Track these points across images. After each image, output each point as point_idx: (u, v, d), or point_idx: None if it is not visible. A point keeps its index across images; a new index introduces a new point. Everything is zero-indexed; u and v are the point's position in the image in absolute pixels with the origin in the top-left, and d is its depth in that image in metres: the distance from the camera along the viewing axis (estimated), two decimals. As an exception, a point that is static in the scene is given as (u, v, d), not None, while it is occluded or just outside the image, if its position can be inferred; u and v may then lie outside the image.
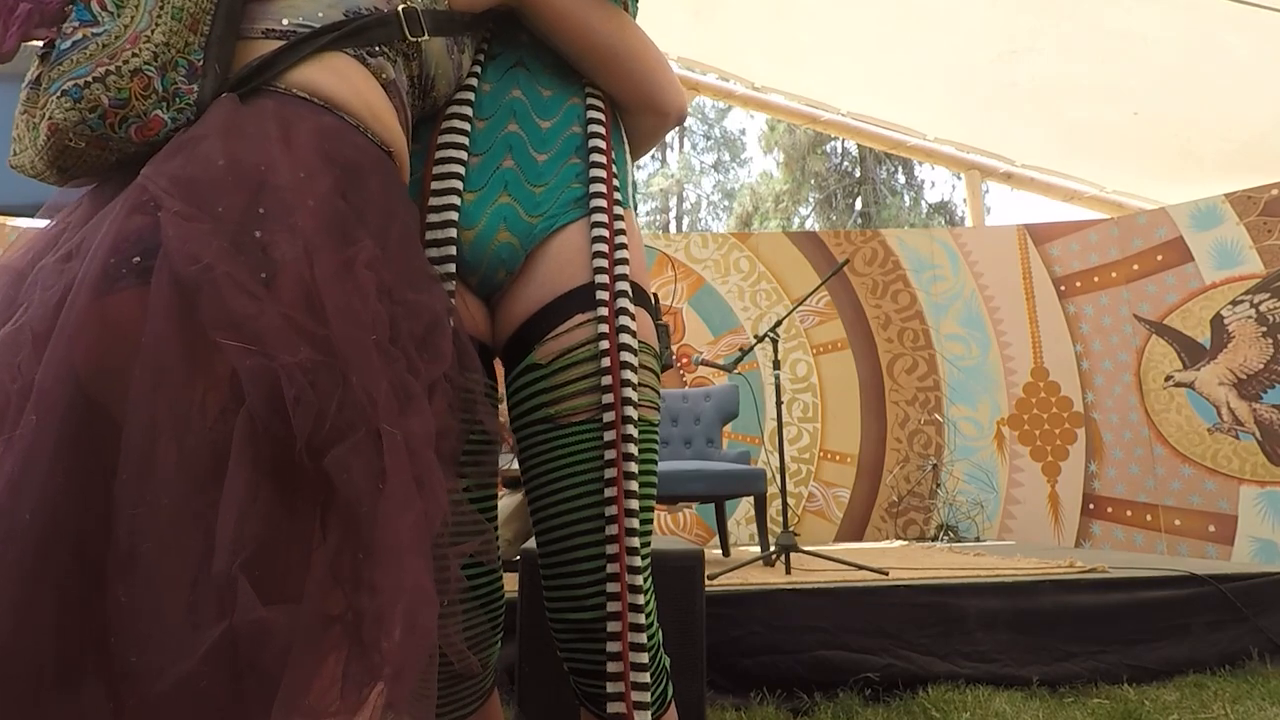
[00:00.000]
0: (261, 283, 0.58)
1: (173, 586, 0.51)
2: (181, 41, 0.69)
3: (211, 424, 0.55)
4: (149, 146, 0.66)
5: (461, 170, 0.90)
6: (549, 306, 0.90)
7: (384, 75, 0.79)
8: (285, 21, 0.75)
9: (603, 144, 0.94)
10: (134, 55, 0.66)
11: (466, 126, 0.92)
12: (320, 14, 0.76)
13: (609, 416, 0.86)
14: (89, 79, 0.64)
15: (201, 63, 0.70)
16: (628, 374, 0.87)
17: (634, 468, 0.85)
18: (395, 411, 0.61)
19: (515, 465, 0.99)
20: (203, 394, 0.56)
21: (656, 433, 0.93)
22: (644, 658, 0.83)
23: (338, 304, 0.61)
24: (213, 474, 0.53)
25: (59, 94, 0.64)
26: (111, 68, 0.65)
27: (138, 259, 0.58)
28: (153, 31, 0.67)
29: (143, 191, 0.61)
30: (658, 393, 0.94)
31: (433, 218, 0.89)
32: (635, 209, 1.00)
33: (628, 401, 0.86)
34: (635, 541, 0.85)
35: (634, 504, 0.85)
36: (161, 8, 0.68)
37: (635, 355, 0.88)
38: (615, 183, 0.93)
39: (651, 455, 0.92)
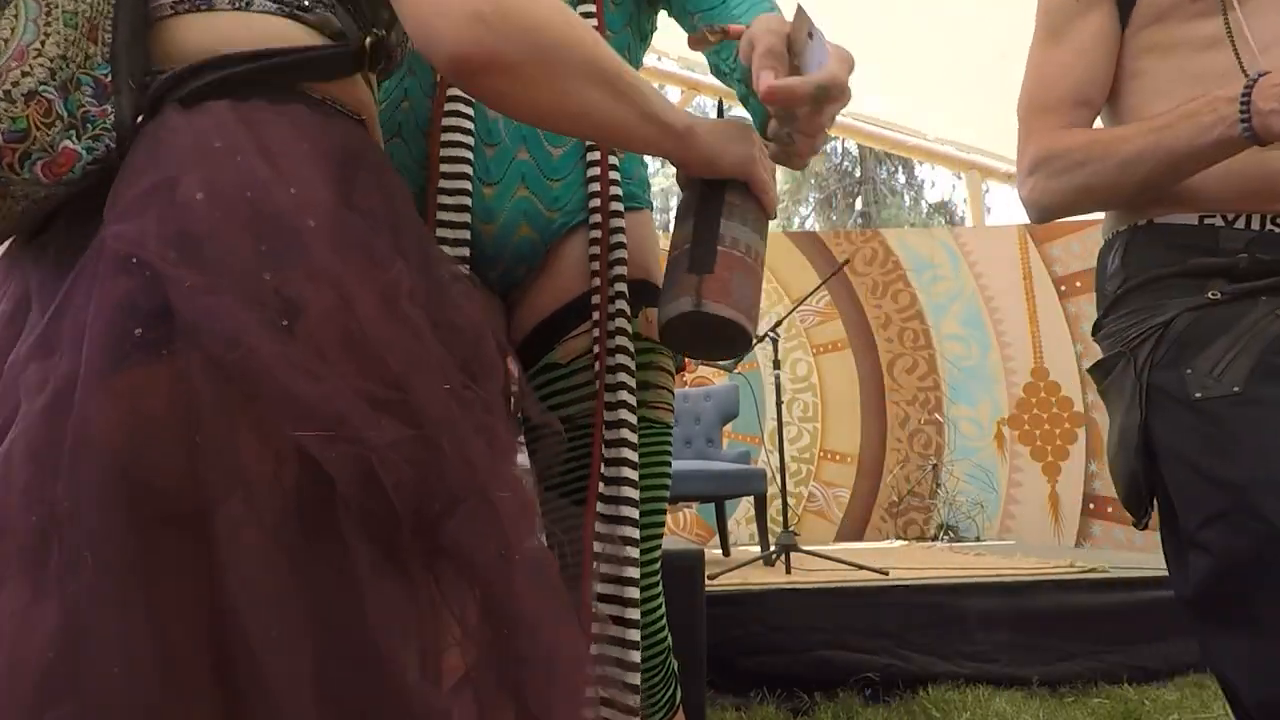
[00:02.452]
0: (285, 332, 0.52)
1: (301, 687, 0.48)
2: (80, 54, 0.57)
3: (295, 505, 0.50)
4: (64, 187, 0.55)
5: (469, 153, 0.87)
6: (570, 305, 0.89)
7: (330, 29, 0.65)
8: None
9: (595, 154, 0.92)
10: (24, 74, 0.53)
11: (470, 110, 0.89)
12: None
13: (612, 431, 0.86)
14: None
15: (110, 78, 0.58)
16: (623, 375, 0.86)
17: (630, 472, 0.85)
18: (495, 465, 0.57)
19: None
20: (274, 478, 0.50)
21: (669, 433, 0.93)
22: (634, 655, 0.82)
23: (398, 355, 0.54)
24: (311, 558, 0.50)
25: None
26: None
27: (139, 330, 0.50)
28: (43, 43, 0.55)
29: (118, 253, 0.52)
30: (671, 393, 0.93)
31: (445, 215, 0.86)
32: (651, 207, 1.00)
33: (623, 403, 0.86)
34: (634, 552, 0.84)
35: (625, 510, 0.84)
36: (49, 14, 0.56)
37: (632, 359, 0.87)
38: (615, 188, 0.91)
39: (664, 456, 0.91)
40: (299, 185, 0.56)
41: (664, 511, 0.92)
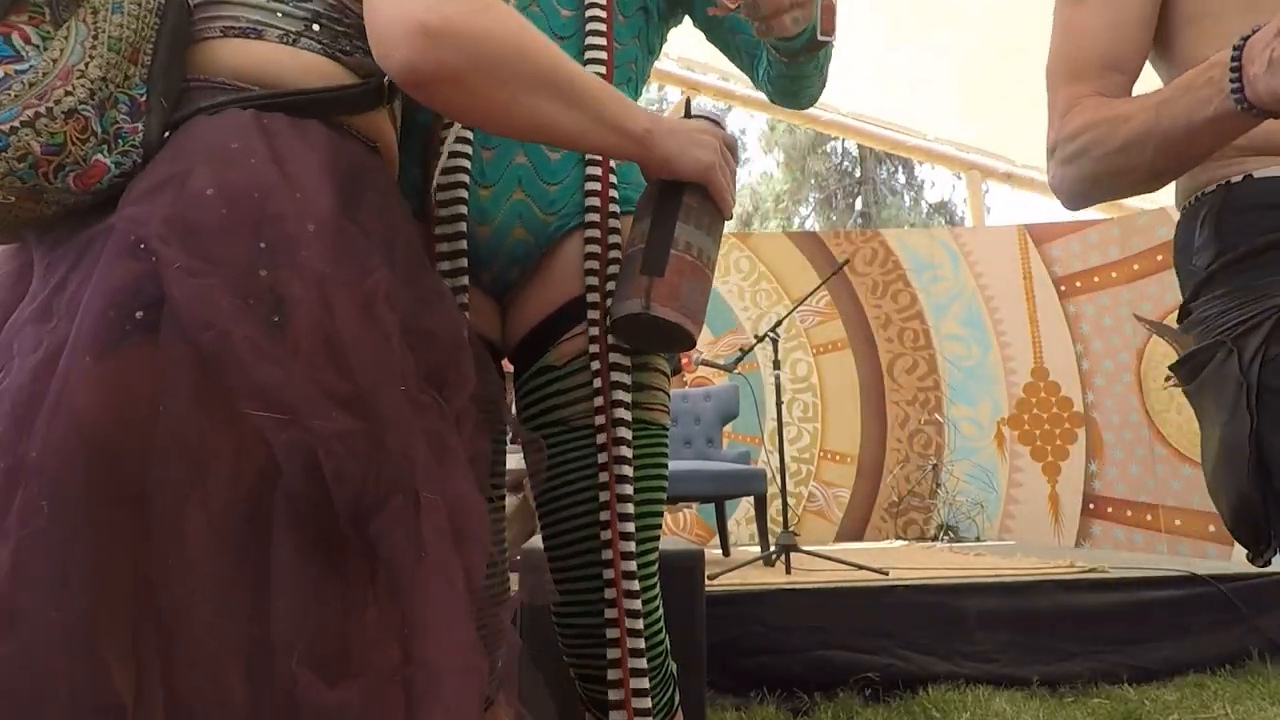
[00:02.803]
0: (276, 328, 0.55)
1: (226, 665, 0.50)
2: (120, 75, 0.61)
3: (249, 491, 0.53)
4: (91, 195, 0.59)
5: (468, 164, 0.88)
6: (565, 308, 0.89)
7: (364, 70, 0.72)
8: (243, 18, 0.67)
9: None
10: (67, 94, 0.58)
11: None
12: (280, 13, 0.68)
13: (600, 420, 0.86)
14: (15, 124, 0.56)
15: (145, 97, 0.62)
16: (618, 375, 0.86)
17: (628, 470, 0.85)
18: (434, 468, 0.58)
19: (511, 466, 0.99)
20: (234, 461, 0.53)
21: (665, 434, 0.93)
22: (642, 663, 0.83)
23: (364, 355, 0.57)
24: (253, 542, 0.52)
25: None
26: (41, 109, 0.56)
27: (140, 313, 0.53)
28: (87, 65, 0.59)
29: (128, 235, 0.56)
30: (667, 394, 0.94)
31: (442, 212, 0.87)
32: None
33: (619, 403, 0.86)
34: (631, 546, 0.84)
35: (629, 508, 0.85)
36: (95, 38, 0.60)
37: (628, 367, 0.88)
38: (613, 191, 0.91)
39: (659, 458, 0.91)
40: (304, 192, 0.60)
41: (660, 514, 0.92)
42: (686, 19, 1.07)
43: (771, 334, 3.30)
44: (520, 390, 0.92)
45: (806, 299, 3.74)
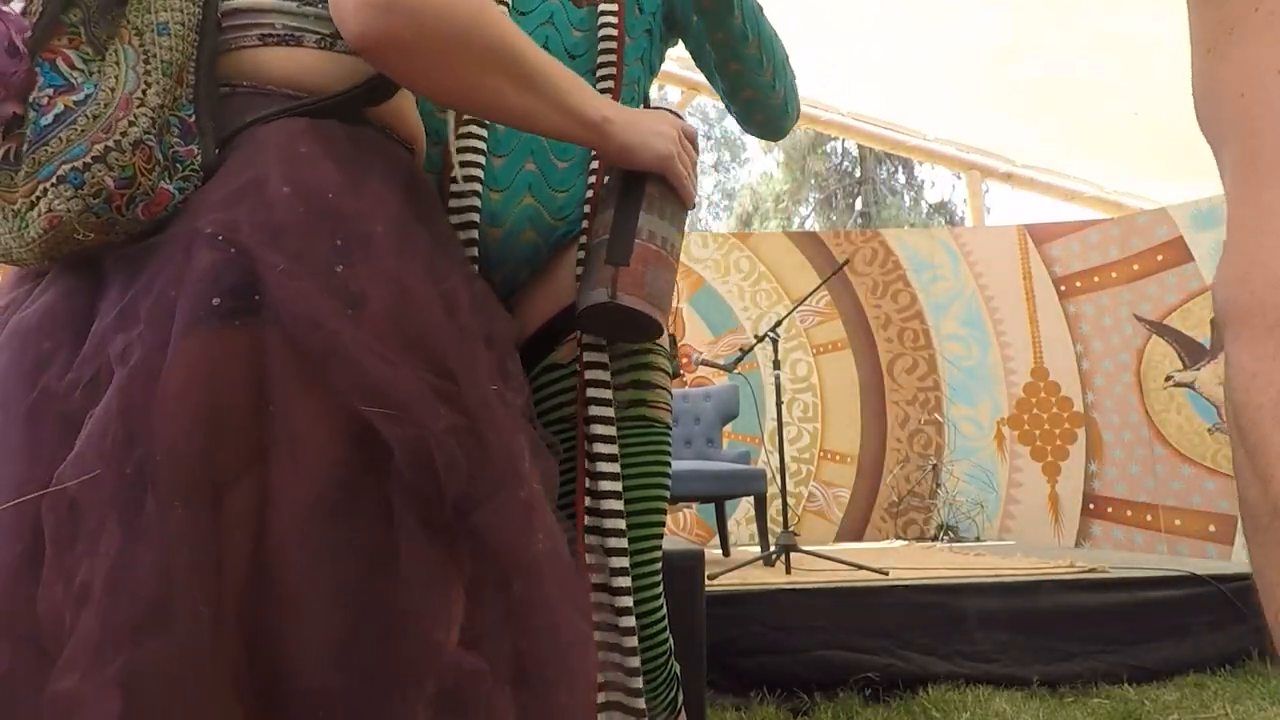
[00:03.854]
0: (350, 320, 0.56)
1: (339, 648, 0.52)
2: (170, 98, 0.61)
3: (358, 482, 0.55)
4: (154, 224, 0.60)
5: (481, 173, 0.90)
6: (570, 307, 0.90)
7: None
8: (279, 25, 0.68)
9: (596, 163, 0.94)
10: (131, 124, 0.57)
11: (482, 130, 0.92)
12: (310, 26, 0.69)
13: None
14: (88, 159, 0.55)
15: (194, 119, 0.62)
16: (594, 374, 0.87)
17: (607, 463, 0.86)
18: (528, 461, 0.62)
19: None
20: (343, 453, 0.55)
21: (668, 433, 0.94)
22: (634, 661, 0.83)
23: (454, 356, 0.60)
24: (362, 529, 0.54)
25: (54, 180, 0.55)
26: (109, 143, 0.56)
27: (218, 300, 0.54)
28: (145, 92, 0.59)
29: (216, 237, 0.57)
30: (669, 393, 0.95)
31: (455, 219, 0.88)
32: None
33: (595, 400, 0.87)
34: (622, 542, 0.84)
35: (616, 504, 0.85)
36: (147, 63, 0.59)
37: (604, 369, 0.88)
38: None
39: (662, 455, 0.93)
40: (371, 194, 0.62)
41: (664, 511, 0.93)
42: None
43: (771, 334, 3.29)
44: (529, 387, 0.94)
45: (806, 299, 3.74)
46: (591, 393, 0.86)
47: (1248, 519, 0.49)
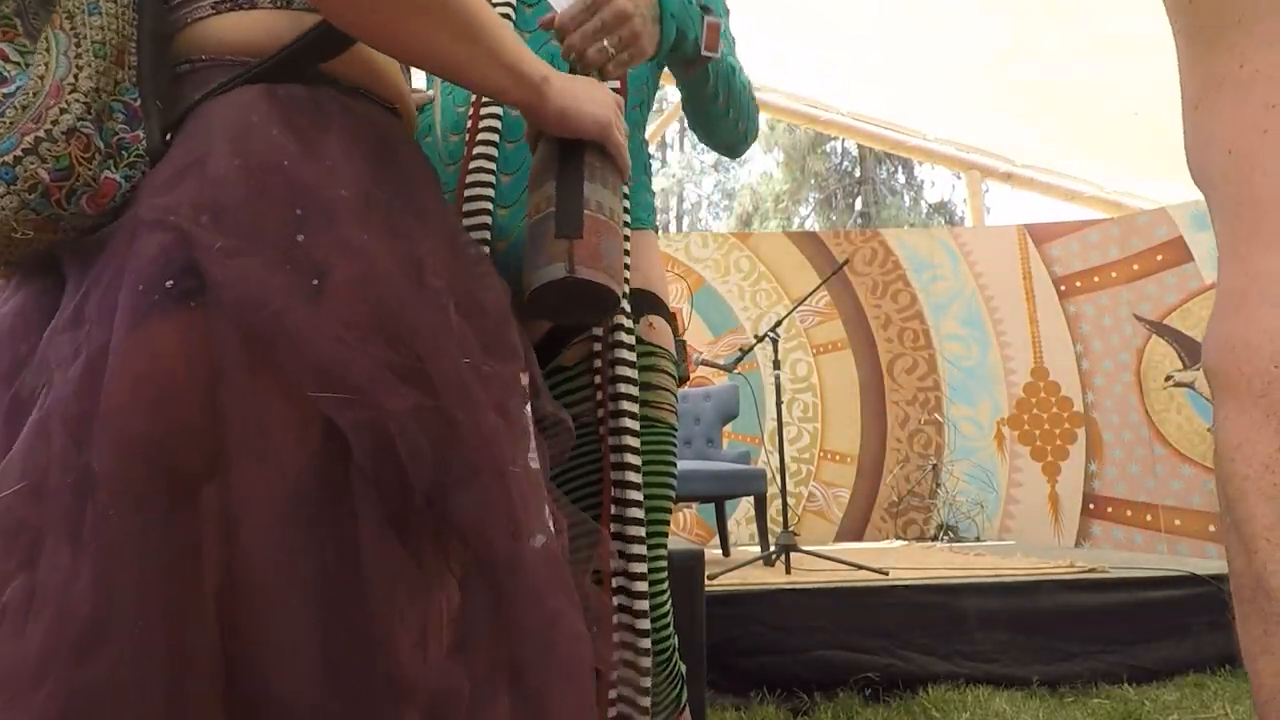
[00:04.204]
0: (323, 300, 0.52)
1: (312, 656, 0.48)
2: (111, 82, 0.57)
3: (317, 473, 0.51)
4: (106, 216, 0.56)
5: (491, 192, 0.92)
6: None
7: None
8: None
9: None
10: (63, 112, 0.54)
11: (493, 150, 0.94)
12: None
13: (614, 424, 0.89)
14: (18, 153, 0.52)
15: (139, 101, 0.59)
16: (623, 370, 0.88)
17: (633, 471, 0.87)
18: (508, 442, 0.56)
19: None
20: (299, 443, 0.51)
21: (673, 434, 0.96)
22: (645, 661, 0.84)
23: (421, 326, 0.55)
24: (327, 525, 0.50)
25: None
26: (40, 133, 0.53)
27: (170, 282, 0.51)
28: (77, 77, 0.55)
29: (152, 219, 0.53)
30: (674, 394, 0.97)
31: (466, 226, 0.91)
32: (655, 229, 1.04)
33: (621, 396, 0.88)
34: (641, 549, 0.86)
35: (637, 512, 0.86)
36: (78, 45, 0.56)
37: (633, 365, 0.90)
38: (626, 202, 0.95)
39: (667, 456, 0.94)
40: (330, 160, 0.58)
41: (669, 511, 0.94)
42: None
43: (771, 334, 3.29)
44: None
45: (806, 299, 3.74)
46: (621, 389, 0.88)
47: (1234, 588, 0.51)
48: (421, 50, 0.64)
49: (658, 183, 20.38)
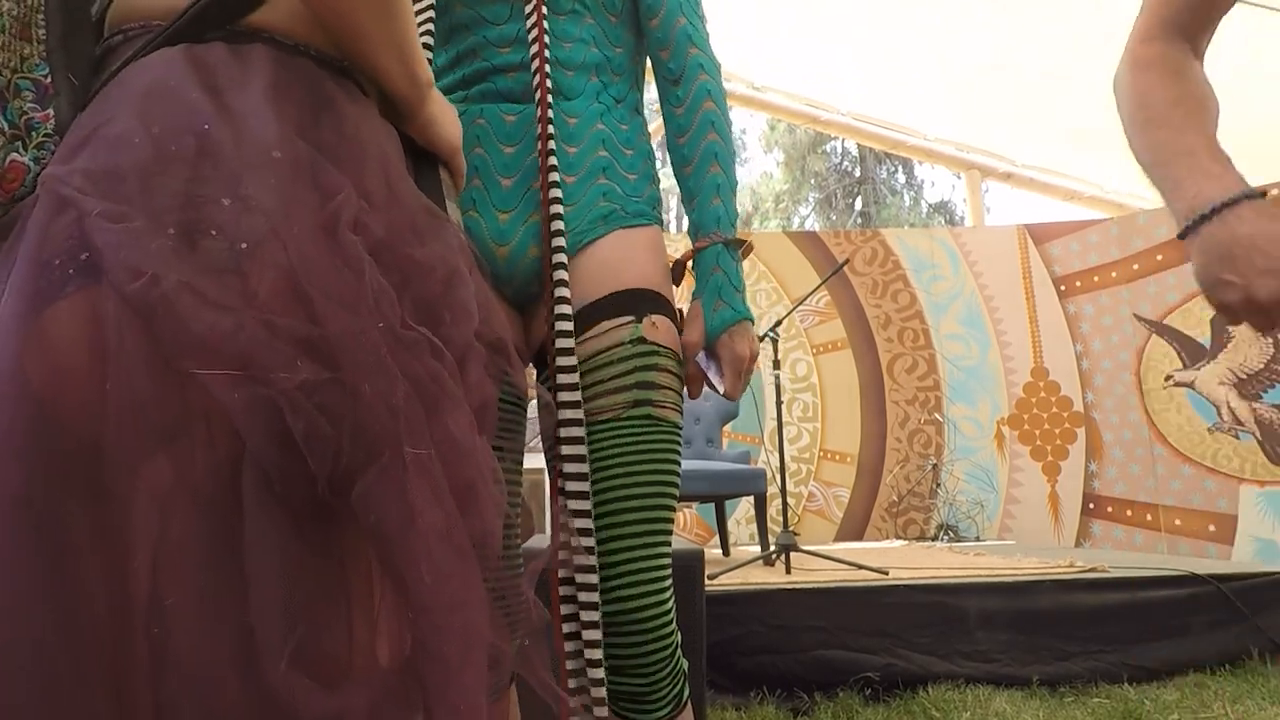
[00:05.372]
0: (223, 269, 0.47)
1: (219, 673, 0.43)
2: (16, 58, 0.54)
3: (220, 462, 0.45)
4: (17, 202, 0.53)
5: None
6: (577, 314, 0.94)
7: None
8: None
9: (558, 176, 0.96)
10: None
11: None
12: None
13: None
14: None
15: (49, 77, 0.55)
16: (565, 379, 0.91)
17: (572, 471, 0.89)
18: (425, 417, 0.50)
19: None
20: (200, 427, 0.45)
21: (677, 432, 0.96)
22: (597, 653, 0.86)
23: (328, 290, 0.49)
24: (234, 523, 0.44)
25: None
26: None
27: (59, 261, 0.47)
28: None
29: (48, 192, 0.49)
30: (678, 393, 0.97)
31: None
32: (661, 223, 1.05)
33: (564, 401, 0.90)
34: (590, 541, 0.89)
35: (584, 503, 0.89)
36: None
37: (574, 370, 0.91)
38: (557, 216, 0.96)
39: (670, 454, 0.95)
40: (245, 119, 0.53)
41: (671, 508, 0.95)
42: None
43: (771, 334, 3.29)
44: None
45: (806, 299, 3.74)
46: (563, 396, 0.89)
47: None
48: (339, 10, 0.60)
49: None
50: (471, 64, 1.01)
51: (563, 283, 0.91)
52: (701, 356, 0.99)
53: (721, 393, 0.97)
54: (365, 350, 0.48)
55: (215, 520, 0.44)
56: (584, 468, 0.88)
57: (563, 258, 0.92)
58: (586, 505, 0.88)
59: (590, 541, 0.87)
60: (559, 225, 0.93)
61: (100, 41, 0.60)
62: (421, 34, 0.97)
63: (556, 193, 0.94)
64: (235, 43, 0.57)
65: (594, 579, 0.87)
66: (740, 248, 1.01)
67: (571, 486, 0.88)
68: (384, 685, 0.47)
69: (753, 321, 1.00)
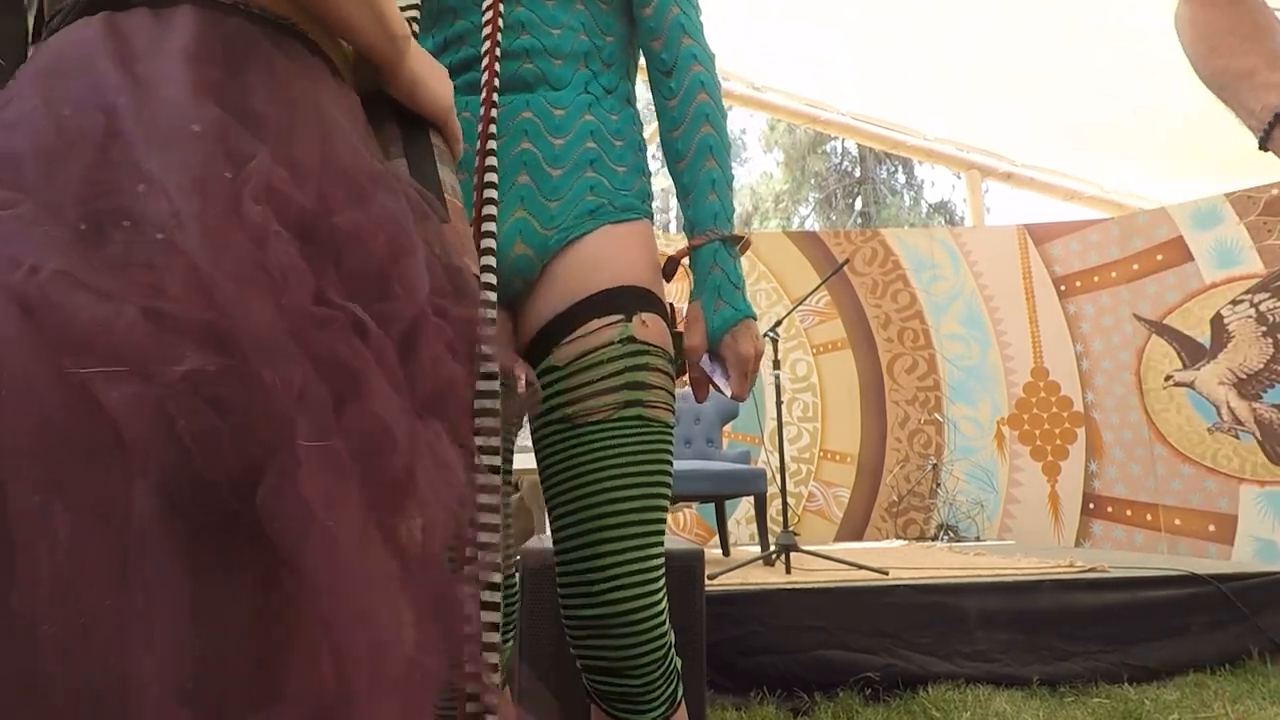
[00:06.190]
0: (114, 256, 0.42)
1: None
2: None
3: (119, 476, 0.39)
4: None
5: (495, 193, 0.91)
6: (565, 313, 0.93)
7: None
8: None
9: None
10: None
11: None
12: None
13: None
14: None
15: None
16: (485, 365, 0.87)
17: (487, 464, 0.86)
18: (328, 404, 0.44)
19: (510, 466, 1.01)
20: (97, 437, 0.39)
21: (669, 432, 0.95)
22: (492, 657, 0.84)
23: (225, 267, 0.43)
24: (138, 545, 0.39)
25: None
26: None
27: None
28: None
29: None
30: (669, 393, 0.96)
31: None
32: (651, 218, 1.03)
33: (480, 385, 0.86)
34: (491, 537, 0.87)
35: (489, 502, 0.87)
36: None
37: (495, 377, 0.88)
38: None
39: (662, 454, 0.93)
40: (158, 90, 0.49)
41: (663, 509, 0.93)
42: None
43: (771, 334, 3.29)
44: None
45: (806, 299, 3.74)
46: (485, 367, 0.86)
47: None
48: None
49: (657, 182, 20.28)
50: (459, 50, 0.99)
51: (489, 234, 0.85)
52: (706, 359, 0.96)
53: (729, 395, 0.94)
54: (263, 328, 0.43)
55: (111, 540, 0.39)
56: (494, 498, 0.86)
57: (491, 243, 0.86)
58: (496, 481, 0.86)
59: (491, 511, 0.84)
60: (489, 243, 0.87)
61: (45, 24, 0.56)
62: (407, 14, 0.96)
63: (491, 192, 0.89)
64: (160, 5, 0.53)
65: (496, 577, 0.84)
66: (738, 244, 0.98)
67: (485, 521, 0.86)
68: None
69: (755, 319, 0.97)
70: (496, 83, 0.91)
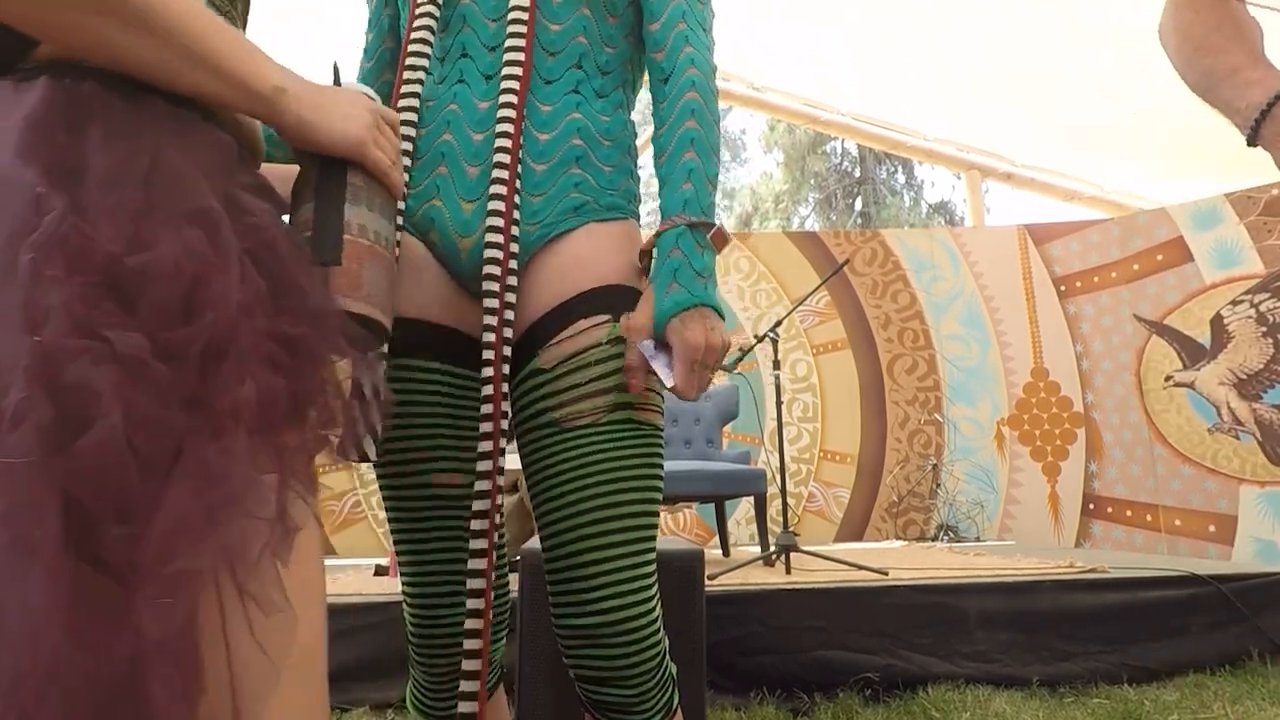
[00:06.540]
0: None
1: None
2: None
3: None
4: None
5: (410, 145, 0.92)
6: (551, 313, 0.90)
7: None
8: None
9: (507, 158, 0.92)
10: None
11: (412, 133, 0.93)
12: None
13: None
14: None
15: None
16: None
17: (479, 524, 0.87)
18: (48, 424, 0.47)
19: (509, 466, 0.99)
20: None
21: (658, 435, 0.93)
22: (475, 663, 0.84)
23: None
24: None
25: None
26: None
27: None
28: None
29: None
30: (659, 395, 0.94)
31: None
32: (638, 218, 1.01)
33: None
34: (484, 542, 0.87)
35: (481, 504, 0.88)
36: None
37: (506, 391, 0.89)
38: (516, 208, 0.93)
39: (652, 458, 0.92)
40: None
41: (655, 513, 0.91)
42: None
43: (771, 334, 3.29)
44: (514, 393, 0.93)
45: (806, 299, 3.74)
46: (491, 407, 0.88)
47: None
48: (88, 40, 0.56)
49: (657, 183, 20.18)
50: (456, 35, 0.99)
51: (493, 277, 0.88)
52: (649, 344, 0.87)
53: (669, 387, 0.85)
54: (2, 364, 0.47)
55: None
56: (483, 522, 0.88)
57: (496, 252, 0.89)
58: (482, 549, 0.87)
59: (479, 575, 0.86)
60: (495, 237, 0.89)
61: None
62: (421, 25, 0.96)
63: (500, 188, 0.90)
64: (23, 79, 0.57)
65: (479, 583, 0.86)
66: (709, 232, 0.89)
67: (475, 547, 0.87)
68: None
69: (716, 309, 0.87)
70: (519, 71, 0.92)
